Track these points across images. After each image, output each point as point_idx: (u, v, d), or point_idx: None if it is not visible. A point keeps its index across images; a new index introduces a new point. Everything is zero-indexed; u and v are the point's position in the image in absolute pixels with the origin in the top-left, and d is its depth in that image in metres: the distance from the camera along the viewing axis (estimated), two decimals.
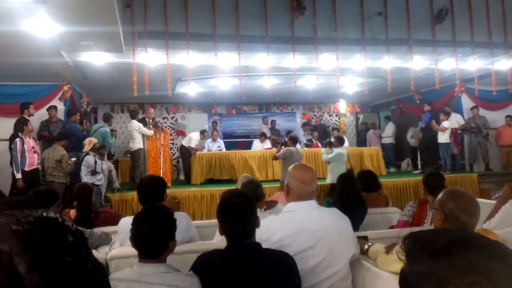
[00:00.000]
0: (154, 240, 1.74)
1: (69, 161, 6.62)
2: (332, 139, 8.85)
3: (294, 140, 8.65)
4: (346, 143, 10.52)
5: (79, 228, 0.69)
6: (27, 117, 7.57)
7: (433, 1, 7.44)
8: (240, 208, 1.87)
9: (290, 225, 2.10)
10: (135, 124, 7.95)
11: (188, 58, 6.60)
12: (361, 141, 13.61)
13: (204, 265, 1.83)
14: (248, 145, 11.56)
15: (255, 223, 1.92)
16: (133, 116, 8.26)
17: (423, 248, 0.70)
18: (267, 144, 10.72)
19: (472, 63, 7.98)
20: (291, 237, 2.07)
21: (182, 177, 10.67)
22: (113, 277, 1.68)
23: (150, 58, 6.72)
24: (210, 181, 8.72)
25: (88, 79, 8.61)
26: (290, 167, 2.33)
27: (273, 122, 12.48)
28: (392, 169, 11.54)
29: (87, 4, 4.84)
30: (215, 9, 6.56)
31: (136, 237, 1.77)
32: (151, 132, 7.99)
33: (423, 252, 0.69)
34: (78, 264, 0.60)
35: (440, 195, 1.99)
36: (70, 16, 5.17)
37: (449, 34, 7.54)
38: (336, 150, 7.97)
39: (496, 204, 2.75)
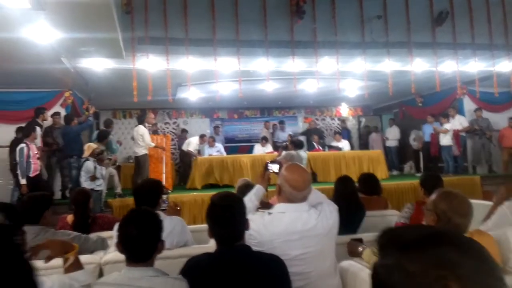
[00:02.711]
0: (143, 244, 1.73)
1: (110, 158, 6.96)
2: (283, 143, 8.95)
3: (296, 144, 8.64)
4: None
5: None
6: (41, 122, 7.66)
7: (433, 3, 7.41)
8: (229, 210, 1.85)
9: (280, 227, 2.10)
10: (141, 129, 7.94)
11: (188, 63, 6.63)
12: (363, 144, 13.57)
13: (193, 268, 1.82)
14: (250, 150, 11.55)
15: (244, 225, 1.91)
16: (140, 121, 8.25)
17: (394, 242, 0.70)
18: (269, 148, 10.70)
19: (473, 65, 7.94)
20: (280, 238, 2.07)
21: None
22: (101, 281, 1.67)
23: (150, 64, 6.75)
24: (211, 186, 8.70)
25: (89, 85, 8.64)
26: (284, 168, 2.30)
27: (275, 126, 12.41)
28: (395, 172, 11.50)
29: (85, 11, 4.87)
30: (215, 14, 6.57)
31: (125, 242, 1.75)
32: (151, 144, 7.93)
33: (394, 246, 0.69)
34: None
35: (433, 196, 1.98)
36: (69, 22, 5.20)
37: (449, 37, 7.50)
38: (292, 153, 8.08)
39: (493, 205, 2.73)
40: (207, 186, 8.65)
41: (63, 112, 8.60)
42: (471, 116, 10.35)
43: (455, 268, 0.62)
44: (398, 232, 0.72)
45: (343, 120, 13.90)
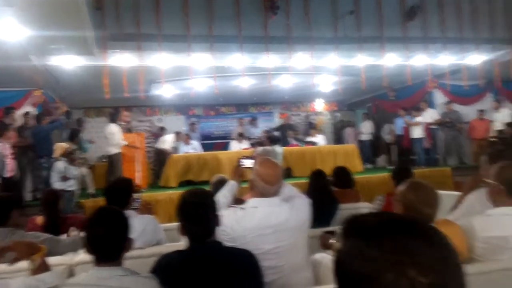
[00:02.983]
0: (110, 243, 1.70)
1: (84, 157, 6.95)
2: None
3: (272, 140, 8.68)
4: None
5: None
6: (9, 122, 7.47)
7: None
8: (201, 207, 1.85)
9: (252, 222, 2.11)
10: (113, 128, 7.80)
11: (161, 59, 6.55)
12: (338, 139, 13.73)
13: (164, 266, 1.80)
14: (226, 146, 11.51)
15: (216, 221, 1.90)
16: (112, 119, 8.10)
17: (355, 228, 0.72)
18: (245, 144, 10.70)
19: (444, 59, 8.12)
20: (253, 233, 2.07)
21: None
22: (69, 282, 1.64)
23: (122, 60, 6.64)
24: (188, 183, 8.63)
25: (60, 84, 8.45)
26: (257, 163, 2.32)
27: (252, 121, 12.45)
28: (368, 165, 11.67)
29: (54, 7, 4.74)
30: (188, 10, 6.52)
31: (93, 243, 1.72)
32: (123, 142, 7.79)
33: (355, 233, 0.71)
34: None
35: (401, 187, 2.03)
36: (38, 19, 5.06)
37: (420, 31, 7.65)
38: (268, 149, 8.16)
39: (461, 195, 2.81)
40: (184, 184, 8.57)
41: (34, 112, 8.38)
42: (442, 109, 10.57)
43: (413, 255, 0.63)
44: (360, 219, 0.74)
45: (307, 116, 13.99)
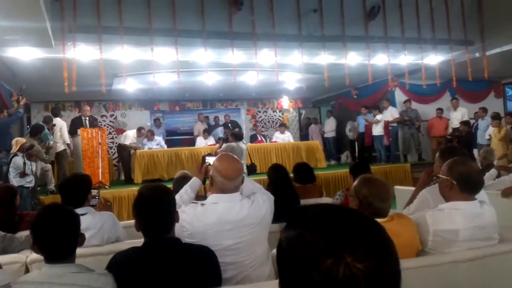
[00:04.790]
0: (62, 243, 1.66)
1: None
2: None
3: (236, 136, 8.68)
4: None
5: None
6: None
7: None
8: (157, 202, 1.83)
9: (212, 218, 2.10)
10: (59, 123, 7.54)
11: (123, 53, 6.41)
12: (304, 135, 13.91)
13: (120, 263, 1.78)
14: (193, 143, 11.43)
15: (173, 218, 1.89)
16: (56, 114, 7.78)
17: (299, 217, 0.75)
18: (211, 140, 10.68)
19: (403, 58, 8.35)
20: (212, 229, 2.07)
21: (123, 176, 10.36)
22: (21, 280, 1.60)
23: (82, 53, 6.46)
24: (154, 181, 8.53)
25: (18, 77, 8.13)
26: (216, 158, 2.32)
27: (216, 118, 12.44)
28: (332, 162, 11.90)
29: None
30: (150, 2, 6.41)
31: (43, 244, 1.67)
32: (67, 140, 7.55)
33: (299, 221, 0.74)
34: None
35: (355, 182, 2.08)
36: None
37: (381, 30, 7.84)
38: (233, 145, 8.20)
39: (415, 190, 2.91)
40: (151, 181, 8.47)
41: None
42: (402, 107, 10.90)
43: (352, 242, 0.66)
44: (305, 209, 0.76)
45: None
